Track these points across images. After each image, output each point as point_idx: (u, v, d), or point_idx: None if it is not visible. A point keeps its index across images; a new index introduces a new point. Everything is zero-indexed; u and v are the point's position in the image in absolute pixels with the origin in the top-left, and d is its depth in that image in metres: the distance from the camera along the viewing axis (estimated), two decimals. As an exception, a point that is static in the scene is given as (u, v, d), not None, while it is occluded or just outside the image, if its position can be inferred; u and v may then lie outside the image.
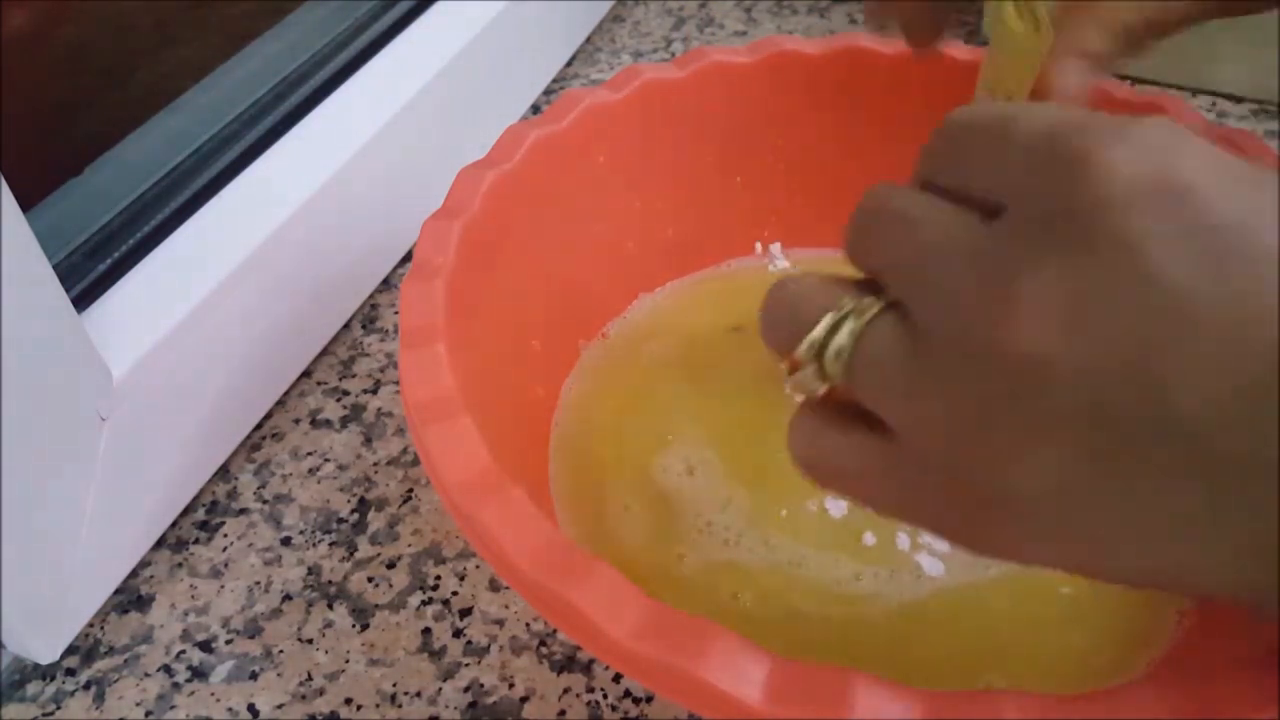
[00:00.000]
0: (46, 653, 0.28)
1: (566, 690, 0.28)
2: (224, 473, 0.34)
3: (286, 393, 0.37)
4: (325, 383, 0.37)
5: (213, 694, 0.28)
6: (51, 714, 0.28)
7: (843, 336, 0.18)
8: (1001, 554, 0.18)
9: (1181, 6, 0.27)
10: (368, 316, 0.40)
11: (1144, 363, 0.15)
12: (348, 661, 0.29)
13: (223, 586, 0.31)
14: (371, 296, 0.41)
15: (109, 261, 0.32)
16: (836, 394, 0.19)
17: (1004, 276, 0.16)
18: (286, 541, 0.32)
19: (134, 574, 0.31)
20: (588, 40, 0.55)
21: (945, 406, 0.17)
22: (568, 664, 0.28)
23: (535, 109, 0.50)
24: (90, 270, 0.31)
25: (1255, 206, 0.15)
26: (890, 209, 0.18)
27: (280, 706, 0.28)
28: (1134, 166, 0.15)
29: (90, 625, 0.30)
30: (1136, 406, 0.15)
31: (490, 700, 0.28)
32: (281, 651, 0.29)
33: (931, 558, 0.28)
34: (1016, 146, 0.17)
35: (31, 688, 0.29)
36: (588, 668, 0.28)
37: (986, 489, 0.16)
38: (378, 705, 0.28)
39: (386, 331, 0.39)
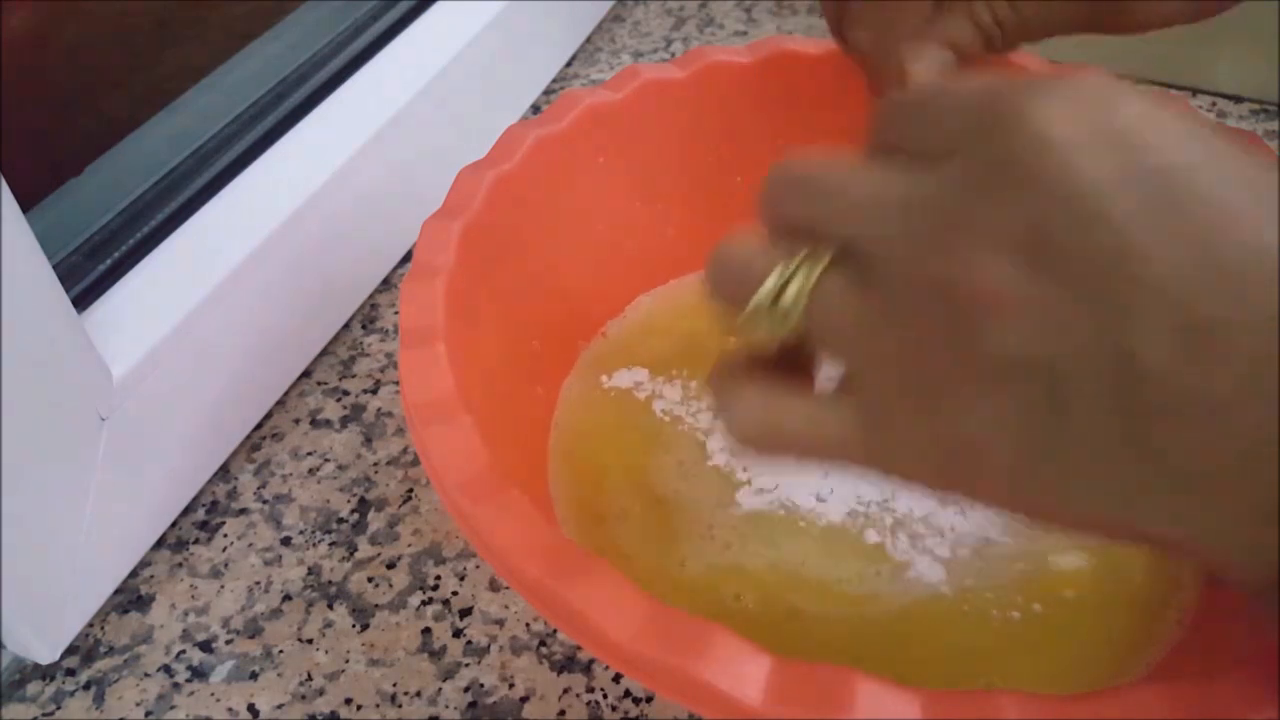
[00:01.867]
0: (46, 653, 0.28)
1: (566, 690, 0.28)
2: (224, 473, 0.34)
3: (286, 393, 0.37)
4: (325, 383, 0.37)
5: (213, 694, 0.28)
6: (51, 714, 0.28)
7: (795, 286, 0.18)
8: (972, 498, 0.18)
9: (1053, 16, 0.28)
10: (368, 316, 0.40)
11: (1098, 302, 0.15)
12: (348, 661, 0.29)
13: (223, 586, 0.31)
14: (371, 296, 0.41)
15: (109, 261, 0.32)
16: (759, 360, 0.20)
17: (954, 218, 0.16)
18: (286, 541, 0.32)
19: (134, 574, 0.31)
20: (588, 40, 0.55)
21: (901, 350, 0.17)
22: (568, 664, 0.28)
23: (535, 109, 0.50)
24: (90, 270, 0.31)
25: (1195, 149, 0.15)
26: (816, 165, 0.18)
27: (280, 706, 0.28)
28: (1073, 113, 0.15)
29: (90, 625, 0.30)
30: (1091, 347, 0.15)
31: (490, 700, 0.28)
32: (281, 651, 0.29)
33: (933, 559, 0.28)
34: (956, 105, 0.17)
35: (31, 688, 0.29)
36: (588, 668, 0.28)
37: (947, 434, 0.17)
38: (378, 705, 0.28)
39: (386, 331, 0.39)
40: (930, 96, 0.18)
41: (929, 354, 0.16)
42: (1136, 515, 0.16)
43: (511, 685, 0.28)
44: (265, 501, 0.33)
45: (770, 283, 0.18)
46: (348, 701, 0.28)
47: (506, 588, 0.30)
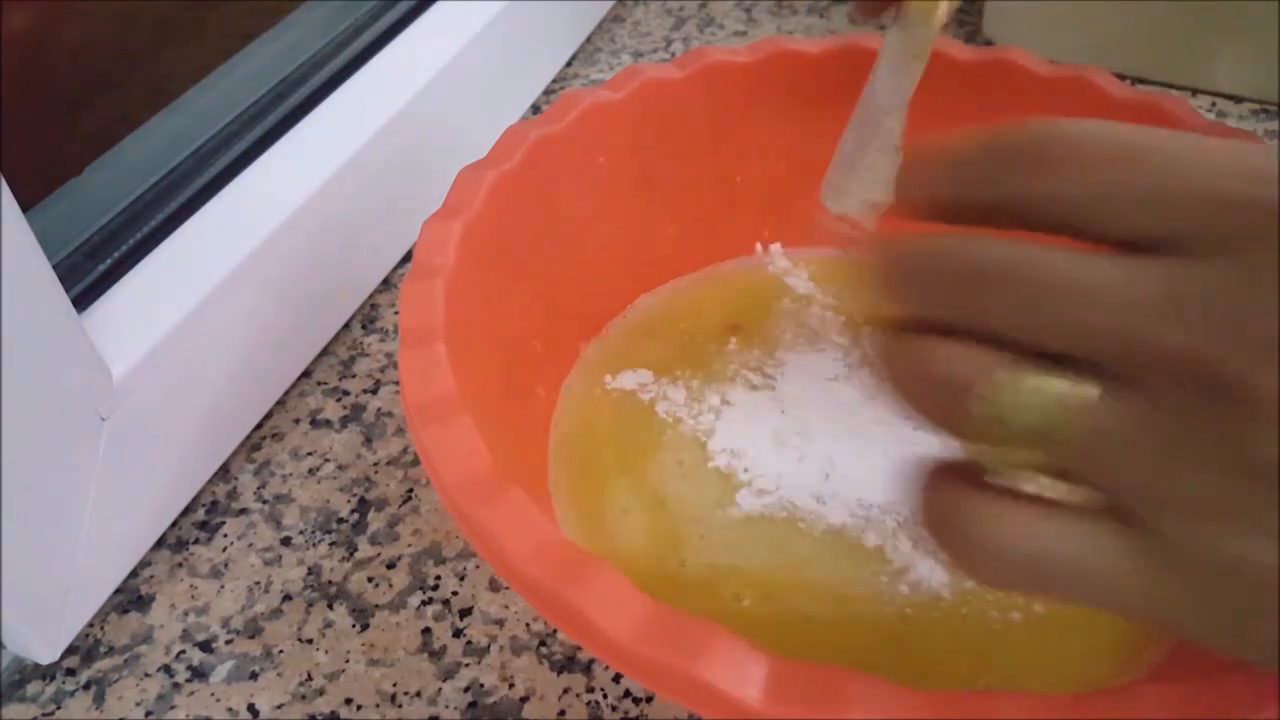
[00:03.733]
0: (46, 653, 0.28)
1: (566, 690, 0.28)
2: (224, 473, 0.34)
3: (286, 393, 0.37)
4: (325, 383, 0.37)
5: (213, 694, 0.28)
6: (51, 714, 0.28)
7: (1047, 399, 0.16)
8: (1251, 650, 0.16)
9: None
10: (368, 316, 0.40)
11: None
12: (348, 661, 0.29)
13: (223, 586, 0.31)
14: (371, 296, 0.41)
15: (109, 261, 0.32)
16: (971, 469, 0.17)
17: (1236, 314, 0.14)
18: (286, 541, 0.32)
19: (134, 574, 0.31)
20: (588, 40, 0.55)
21: (1174, 469, 0.15)
22: (568, 664, 0.28)
23: (535, 109, 0.50)
24: (90, 270, 0.31)
25: None
26: (1015, 256, 0.16)
27: (280, 706, 0.28)
28: None
29: (90, 625, 0.30)
30: None
31: (490, 700, 0.28)
32: (281, 651, 0.29)
33: (935, 561, 0.28)
34: (1209, 194, 0.15)
35: (31, 688, 0.29)
36: (588, 668, 0.28)
37: (1223, 558, 0.15)
38: (378, 705, 0.28)
39: (386, 331, 0.39)
40: (1165, 181, 0.16)
41: (1203, 467, 0.15)
42: None
43: (511, 685, 0.28)
44: (265, 501, 0.33)
45: (1009, 395, 0.16)
46: (348, 701, 0.28)
47: (506, 588, 0.30)
